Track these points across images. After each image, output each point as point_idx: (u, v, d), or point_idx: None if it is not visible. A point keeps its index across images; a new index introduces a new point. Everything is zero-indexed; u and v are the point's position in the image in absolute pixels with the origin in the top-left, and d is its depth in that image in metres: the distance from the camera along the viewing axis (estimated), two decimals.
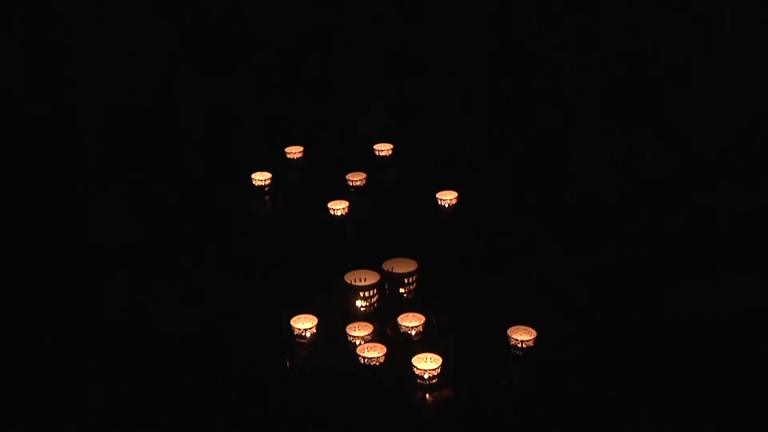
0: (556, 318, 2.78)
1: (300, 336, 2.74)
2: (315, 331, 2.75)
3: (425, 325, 2.74)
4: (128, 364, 2.66)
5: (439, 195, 3.34)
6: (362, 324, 2.75)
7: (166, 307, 2.89)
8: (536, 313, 2.74)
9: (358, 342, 2.70)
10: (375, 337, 2.72)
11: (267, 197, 3.51)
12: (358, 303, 2.84)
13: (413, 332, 2.72)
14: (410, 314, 2.76)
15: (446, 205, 3.32)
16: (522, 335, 2.64)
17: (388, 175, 3.60)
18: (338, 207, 3.32)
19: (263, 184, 3.51)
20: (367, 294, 2.83)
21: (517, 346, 2.63)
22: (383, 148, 3.64)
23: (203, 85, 3.88)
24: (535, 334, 2.63)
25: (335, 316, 2.81)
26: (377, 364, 2.59)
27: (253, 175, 3.53)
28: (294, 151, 3.66)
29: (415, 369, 2.55)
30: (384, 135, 3.70)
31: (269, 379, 2.61)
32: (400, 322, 2.74)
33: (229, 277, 3.06)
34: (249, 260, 3.13)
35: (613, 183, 3.36)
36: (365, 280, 2.86)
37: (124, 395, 2.54)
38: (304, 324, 2.75)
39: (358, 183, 3.47)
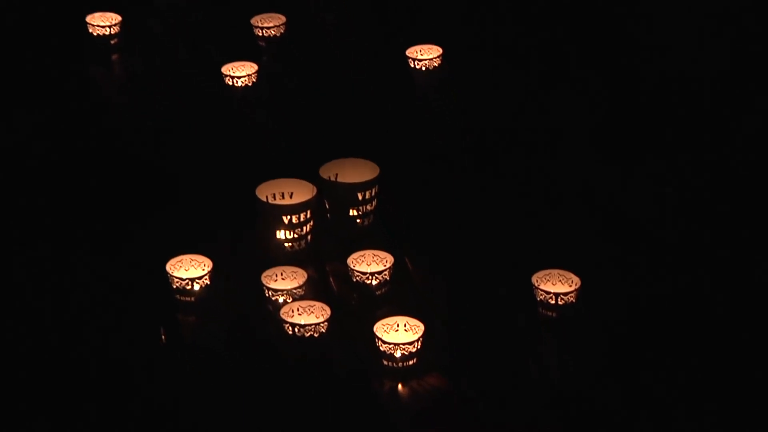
0: (611, 258, 2.82)
1: (182, 291, 2.74)
2: (208, 282, 2.75)
3: (393, 270, 2.76)
4: None
5: (410, 52, 3.38)
6: (288, 270, 2.77)
7: None
8: (579, 250, 2.79)
9: (281, 300, 2.71)
10: (310, 292, 2.75)
11: (115, 56, 3.54)
12: (281, 234, 2.87)
13: (374, 282, 2.74)
14: (368, 252, 2.79)
15: (423, 68, 3.35)
16: (557, 286, 2.66)
17: (324, 18, 3.63)
18: (240, 73, 3.33)
19: (107, 33, 3.51)
20: (295, 220, 2.85)
21: (548, 303, 2.65)
22: None
23: None
24: (579, 284, 2.65)
25: (242, 257, 2.85)
26: (315, 335, 2.60)
27: (88, 18, 3.52)
28: None
29: (379, 343, 2.56)
30: None
31: (132, 364, 2.61)
32: (351, 267, 2.76)
33: (57, 195, 3.07)
34: (89, 164, 3.15)
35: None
36: (291, 196, 2.89)
37: None
38: (190, 271, 2.76)
39: (273, 31, 3.48)
